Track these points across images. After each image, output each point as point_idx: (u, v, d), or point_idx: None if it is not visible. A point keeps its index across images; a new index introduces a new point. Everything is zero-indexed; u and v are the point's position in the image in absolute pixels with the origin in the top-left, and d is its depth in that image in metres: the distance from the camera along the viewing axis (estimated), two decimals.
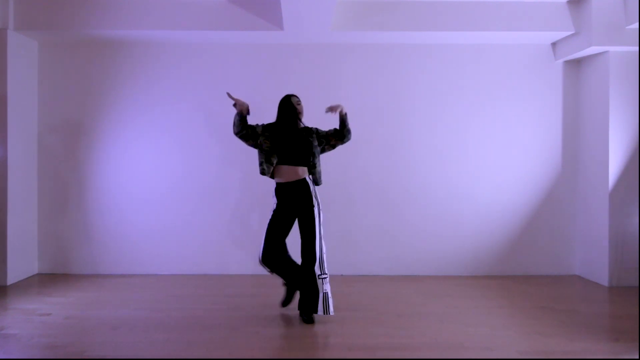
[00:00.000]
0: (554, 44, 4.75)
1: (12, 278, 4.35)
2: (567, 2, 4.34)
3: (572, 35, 4.44)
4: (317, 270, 3.31)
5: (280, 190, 3.42)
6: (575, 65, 4.79)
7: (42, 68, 4.72)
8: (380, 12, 4.34)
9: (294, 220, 3.46)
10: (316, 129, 3.51)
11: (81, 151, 4.74)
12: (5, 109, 4.26)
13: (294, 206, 3.38)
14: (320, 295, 3.30)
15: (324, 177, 4.73)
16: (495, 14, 4.35)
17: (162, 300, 3.86)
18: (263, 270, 4.65)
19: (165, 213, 4.75)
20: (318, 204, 3.38)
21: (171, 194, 4.75)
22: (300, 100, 3.52)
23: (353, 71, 4.76)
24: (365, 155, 4.76)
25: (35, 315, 3.46)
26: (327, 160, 4.74)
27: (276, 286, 4.20)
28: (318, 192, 3.50)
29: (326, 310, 3.30)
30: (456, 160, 4.78)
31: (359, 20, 4.35)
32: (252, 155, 4.73)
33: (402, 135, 4.77)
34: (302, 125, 3.49)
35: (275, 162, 3.37)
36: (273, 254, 3.39)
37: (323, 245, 3.38)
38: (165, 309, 3.64)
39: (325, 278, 3.33)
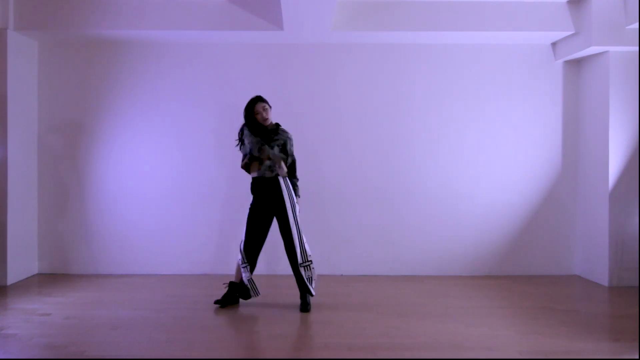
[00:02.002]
0: (554, 44, 4.75)
1: (12, 278, 4.35)
2: (567, 2, 4.34)
3: (572, 35, 4.44)
4: (300, 259, 3.56)
5: (254, 185, 3.68)
6: (575, 65, 4.79)
7: (42, 68, 4.72)
8: (380, 12, 4.34)
9: (271, 219, 3.68)
10: (286, 139, 3.70)
11: (81, 151, 4.74)
12: (5, 109, 4.26)
13: (268, 203, 3.60)
14: (308, 281, 3.59)
15: (322, 177, 4.74)
16: (495, 14, 4.35)
17: (162, 300, 3.86)
18: (262, 270, 4.66)
19: (165, 213, 4.75)
20: (291, 199, 3.58)
21: (171, 194, 4.75)
22: (266, 105, 3.69)
23: (353, 71, 4.76)
24: (365, 155, 4.76)
25: (35, 315, 3.46)
26: (327, 160, 4.75)
27: (276, 286, 4.21)
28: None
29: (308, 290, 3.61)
30: (456, 160, 4.78)
31: (359, 20, 4.35)
32: None
33: (401, 135, 4.77)
34: (270, 126, 3.69)
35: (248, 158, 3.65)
36: (253, 245, 3.64)
37: (303, 236, 3.59)
38: (165, 309, 3.64)
39: (307, 265, 3.57)
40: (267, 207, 3.63)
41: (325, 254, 4.74)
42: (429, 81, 4.77)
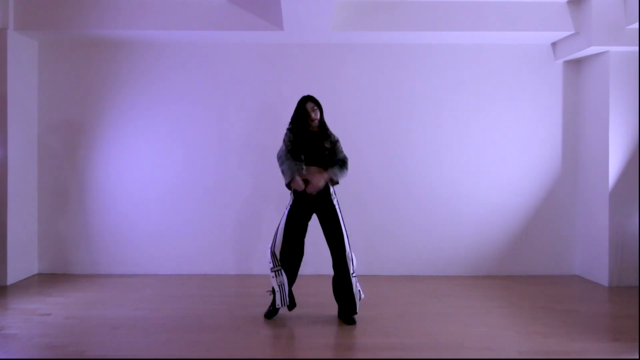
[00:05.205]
0: (554, 44, 4.75)
1: (12, 278, 4.35)
2: (567, 2, 4.34)
3: (572, 35, 4.44)
4: (352, 269, 3.33)
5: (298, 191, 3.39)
6: (575, 65, 4.79)
7: (42, 68, 4.72)
8: (380, 12, 4.34)
9: (309, 220, 3.45)
10: (335, 140, 3.47)
11: (81, 151, 4.74)
12: (5, 109, 4.26)
13: (312, 205, 3.38)
14: (357, 294, 3.35)
15: None
16: (495, 14, 4.35)
17: (162, 300, 3.86)
18: (262, 270, 4.66)
19: (165, 213, 4.75)
20: (339, 205, 3.42)
21: (171, 194, 4.75)
22: (315, 105, 3.43)
23: (353, 71, 4.76)
24: (365, 155, 4.76)
25: (35, 315, 3.46)
26: None
27: None
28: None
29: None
30: (456, 160, 4.78)
31: (359, 20, 4.35)
32: (252, 155, 4.74)
33: (401, 135, 4.77)
34: (316, 129, 3.45)
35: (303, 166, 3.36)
36: (291, 250, 3.38)
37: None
38: (165, 309, 3.64)
39: (355, 277, 3.36)
40: (309, 212, 3.40)
41: (324, 254, 4.72)
42: (429, 81, 4.77)
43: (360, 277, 4.59)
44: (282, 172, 3.35)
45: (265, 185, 4.73)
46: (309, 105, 3.43)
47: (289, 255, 3.39)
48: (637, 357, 2.80)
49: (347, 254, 3.32)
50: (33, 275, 4.65)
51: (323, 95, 4.70)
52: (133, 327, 3.23)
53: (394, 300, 3.88)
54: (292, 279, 3.45)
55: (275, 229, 3.46)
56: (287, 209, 3.42)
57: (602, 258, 4.42)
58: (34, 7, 4.31)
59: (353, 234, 4.72)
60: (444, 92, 4.77)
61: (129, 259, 4.75)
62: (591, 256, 4.60)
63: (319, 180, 3.28)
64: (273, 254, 3.38)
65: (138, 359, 2.74)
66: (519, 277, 4.67)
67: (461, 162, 4.78)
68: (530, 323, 3.36)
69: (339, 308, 3.41)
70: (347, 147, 4.71)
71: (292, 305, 3.45)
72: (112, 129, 4.74)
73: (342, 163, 3.42)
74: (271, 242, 3.41)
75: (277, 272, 3.38)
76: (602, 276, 4.44)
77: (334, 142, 3.46)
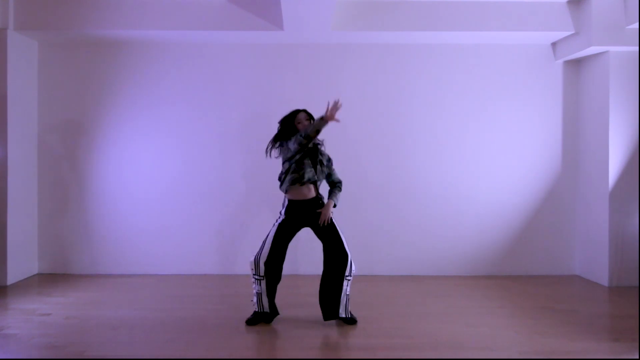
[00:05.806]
0: (554, 44, 4.75)
1: (12, 278, 4.35)
2: (567, 2, 4.34)
3: (572, 35, 4.44)
4: (347, 271, 3.28)
5: (291, 207, 3.33)
6: (575, 65, 4.79)
7: (42, 68, 4.72)
8: (380, 12, 4.34)
9: (299, 230, 3.39)
10: (329, 159, 3.51)
11: (81, 151, 4.74)
12: (5, 109, 4.26)
13: (305, 220, 3.34)
14: (344, 298, 3.29)
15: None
16: (495, 14, 4.35)
17: (162, 300, 3.86)
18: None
19: (165, 213, 4.75)
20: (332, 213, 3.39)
21: (171, 194, 4.75)
22: (308, 117, 3.37)
23: (353, 71, 4.76)
24: (365, 155, 4.76)
25: (35, 315, 3.46)
26: None
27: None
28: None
29: (347, 311, 3.32)
30: (456, 160, 4.78)
31: (359, 20, 4.35)
32: (251, 155, 4.73)
33: (402, 135, 4.77)
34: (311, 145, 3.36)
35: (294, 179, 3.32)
36: (276, 260, 3.29)
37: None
38: (165, 309, 3.64)
39: (350, 280, 3.32)
40: (300, 227, 3.36)
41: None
42: (429, 81, 4.77)
43: (360, 277, 4.60)
44: (309, 131, 3.15)
45: (265, 185, 4.73)
46: (302, 115, 3.38)
47: (273, 265, 3.29)
48: (637, 357, 2.80)
49: (348, 259, 3.27)
50: (33, 275, 4.65)
51: (323, 95, 4.69)
52: (133, 327, 3.23)
53: (394, 300, 3.88)
54: (274, 287, 3.34)
55: (264, 238, 3.36)
56: (278, 223, 3.34)
57: (602, 258, 4.42)
58: (34, 7, 4.30)
59: (353, 235, 4.72)
60: (444, 92, 4.77)
61: (129, 259, 4.75)
62: (591, 256, 4.60)
63: (326, 214, 3.32)
64: (257, 262, 3.27)
65: (138, 359, 2.74)
66: (519, 277, 4.67)
67: (461, 161, 4.78)
68: (530, 323, 3.35)
69: (322, 310, 3.31)
70: (347, 147, 4.74)
71: (272, 314, 3.34)
72: (112, 129, 4.74)
73: (340, 185, 3.53)
74: (257, 251, 3.31)
75: (258, 281, 3.29)
76: (602, 276, 4.43)
77: (329, 160, 3.51)
